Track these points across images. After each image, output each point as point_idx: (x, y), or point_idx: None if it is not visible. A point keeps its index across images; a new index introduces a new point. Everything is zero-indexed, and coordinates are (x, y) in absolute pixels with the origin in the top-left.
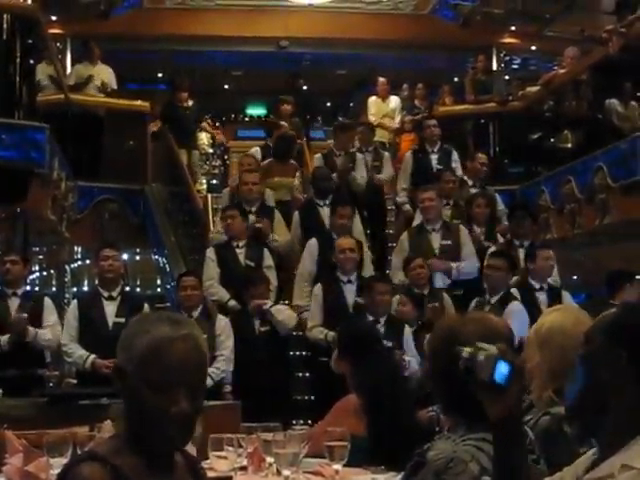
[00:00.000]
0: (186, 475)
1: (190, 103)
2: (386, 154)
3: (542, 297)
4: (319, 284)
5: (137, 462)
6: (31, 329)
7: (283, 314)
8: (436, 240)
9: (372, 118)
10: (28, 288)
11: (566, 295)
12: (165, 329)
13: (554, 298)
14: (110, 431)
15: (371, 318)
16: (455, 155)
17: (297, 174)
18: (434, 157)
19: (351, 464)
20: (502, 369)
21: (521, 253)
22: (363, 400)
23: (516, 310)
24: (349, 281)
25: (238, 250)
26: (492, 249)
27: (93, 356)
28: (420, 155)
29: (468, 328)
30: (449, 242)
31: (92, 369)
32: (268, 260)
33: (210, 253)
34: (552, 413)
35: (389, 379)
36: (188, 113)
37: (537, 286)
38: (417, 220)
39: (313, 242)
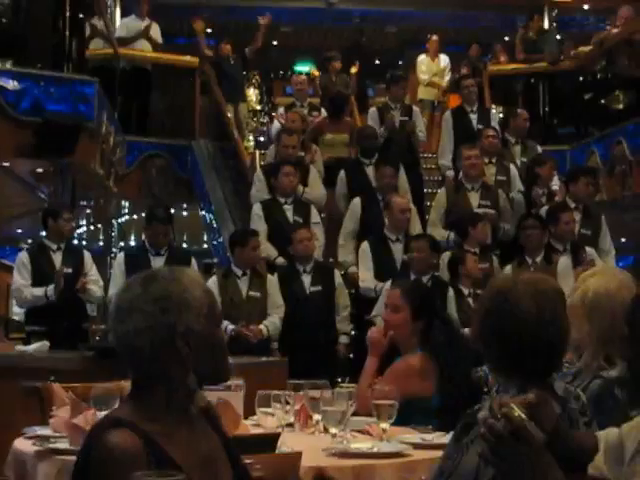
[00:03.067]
0: (204, 424)
1: (234, 56)
2: (416, 109)
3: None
4: (366, 242)
5: (159, 424)
6: (89, 286)
7: None
8: (475, 199)
9: (422, 76)
10: (75, 242)
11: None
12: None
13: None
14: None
15: (413, 276)
16: (494, 113)
17: None
18: (473, 117)
19: (417, 426)
20: None
21: (577, 216)
22: (437, 360)
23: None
24: (397, 239)
25: (286, 206)
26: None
27: None
28: (459, 115)
29: (518, 288)
30: (488, 202)
31: None
32: (315, 217)
33: (257, 209)
34: (604, 377)
35: (459, 338)
36: (233, 64)
37: (560, 248)
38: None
39: (356, 201)
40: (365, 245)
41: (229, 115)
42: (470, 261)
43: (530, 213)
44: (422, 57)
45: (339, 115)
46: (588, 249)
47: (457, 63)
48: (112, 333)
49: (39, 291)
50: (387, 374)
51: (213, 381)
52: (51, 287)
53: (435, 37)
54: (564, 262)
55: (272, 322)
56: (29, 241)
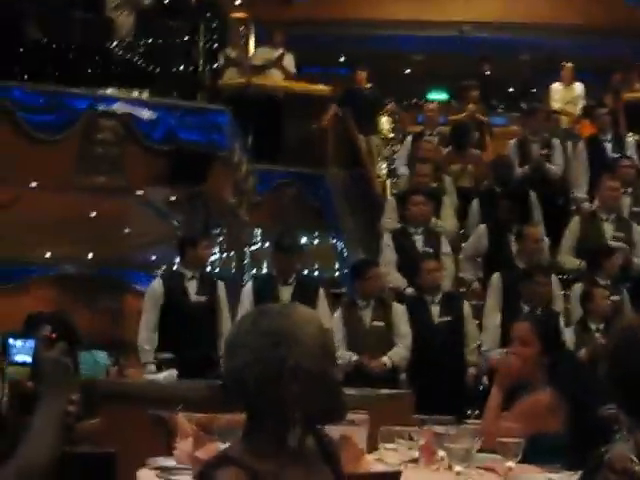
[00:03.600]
0: (320, 463)
1: (368, 85)
2: (555, 142)
3: None
4: (497, 274)
5: (270, 462)
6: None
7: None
8: (609, 230)
9: (555, 105)
10: (208, 269)
11: None
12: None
13: None
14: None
15: (527, 308)
16: (629, 141)
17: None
18: (608, 145)
19: (544, 464)
20: None
21: None
22: (566, 396)
23: None
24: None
25: (416, 236)
26: None
27: None
28: (593, 144)
29: None
30: (621, 234)
31: None
32: (446, 247)
33: (387, 239)
34: None
35: (588, 374)
36: (367, 94)
37: None
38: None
39: (483, 227)
40: (497, 278)
41: (362, 144)
42: (599, 296)
43: None
44: (556, 85)
45: (461, 146)
46: None
47: (590, 91)
48: (223, 368)
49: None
50: (515, 411)
51: (325, 421)
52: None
53: (569, 64)
54: None
55: (397, 352)
56: (163, 268)
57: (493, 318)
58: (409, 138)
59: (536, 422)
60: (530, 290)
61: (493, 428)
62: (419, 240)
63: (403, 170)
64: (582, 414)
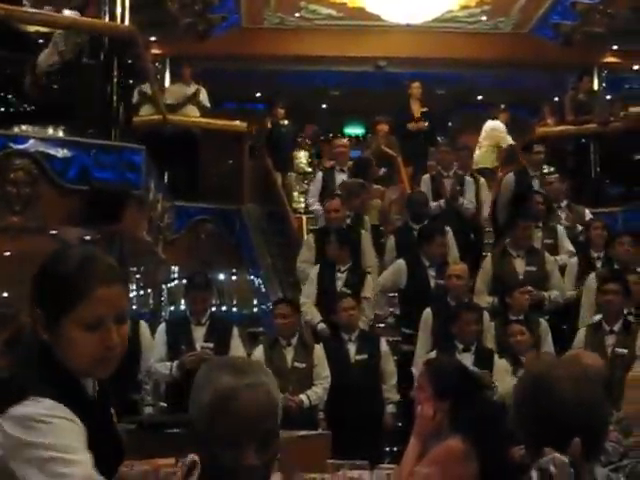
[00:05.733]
0: None
1: (286, 122)
2: (468, 179)
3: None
4: (429, 309)
5: None
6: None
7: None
8: (520, 266)
9: (484, 142)
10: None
11: None
12: (228, 379)
13: None
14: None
15: (461, 346)
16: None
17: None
18: (536, 181)
19: None
20: None
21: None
22: (472, 441)
23: None
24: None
25: (339, 274)
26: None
27: (177, 362)
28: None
29: (557, 372)
30: (534, 269)
31: (180, 372)
32: (368, 290)
33: (314, 272)
34: None
35: (496, 416)
36: (284, 131)
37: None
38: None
39: (402, 262)
40: (428, 313)
41: (278, 179)
42: (515, 332)
43: (613, 276)
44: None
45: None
46: None
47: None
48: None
49: None
50: (429, 457)
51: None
52: None
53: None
54: None
55: (314, 392)
56: None
57: (424, 352)
58: (319, 174)
59: (451, 468)
60: (458, 329)
61: (409, 476)
62: (341, 279)
63: (316, 206)
64: (492, 458)
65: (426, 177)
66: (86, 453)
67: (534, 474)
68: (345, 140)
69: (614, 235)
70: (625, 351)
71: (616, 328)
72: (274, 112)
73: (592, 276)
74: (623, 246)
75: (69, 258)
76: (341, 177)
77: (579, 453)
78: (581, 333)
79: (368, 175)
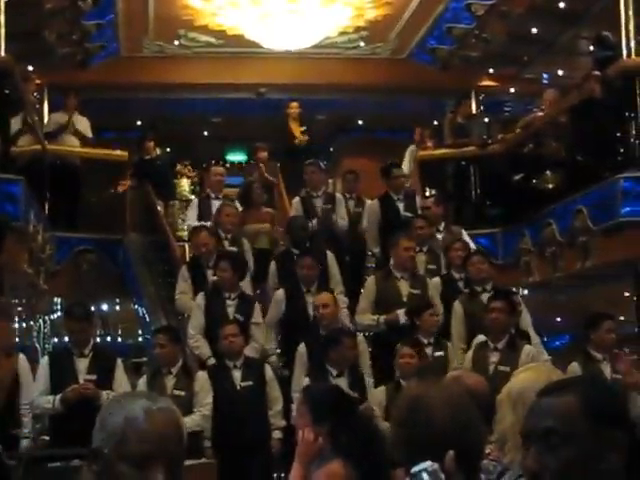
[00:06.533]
0: None
1: (158, 152)
2: (338, 196)
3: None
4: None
5: None
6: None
7: None
8: (404, 288)
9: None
10: None
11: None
12: (141, 402)
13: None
14: None
15: (335, 372)
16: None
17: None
18: (400, 205)
19: None
20: None
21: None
22: (352, 465)
23: (535, 353)
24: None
25: (229, 302)
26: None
27: (59, 395)
28: (385, 203)
29: (432, 395)
30: (418, 291)
31: (63, 406)
32: (258, 317)
33: (200, 300)
34: None
35: (372, 439)
36: (158, 163)
37: None
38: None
39: (280, 292)
40: (302, 347)
41: (159, 209)
42: (406, 354)
43: (499, 294)
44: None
45: (250, 205)
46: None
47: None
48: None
49: None
50: None
51: None
52: None
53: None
54: (529, 350)
55: (191, 419)
56: None
57: (299, 385)
58: (195, 200)
59: None
60: (336, 354)
61: None
62: (231, 306)
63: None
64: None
65: (296, 200)
66: None
67: None
68: (220, 168)
69: (465, 256)
70: (508, 369)
71: (500, 346)
72: (143, 146)
73: (457, 302)
74: (475, 266)
75: None
76: (216, 204)
77: (453, 465)
78: (469, 353)
79: (252, 200)
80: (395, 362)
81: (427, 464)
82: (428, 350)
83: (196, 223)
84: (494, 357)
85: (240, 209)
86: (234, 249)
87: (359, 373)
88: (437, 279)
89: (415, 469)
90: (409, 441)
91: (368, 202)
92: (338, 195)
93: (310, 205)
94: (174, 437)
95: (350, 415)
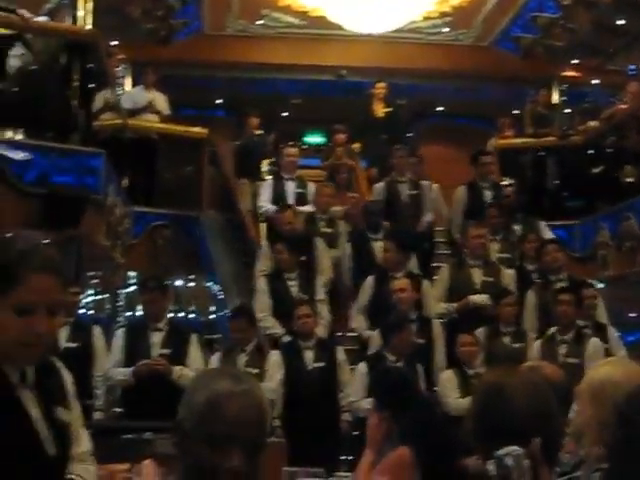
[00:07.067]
0: None
1: (259, 131)
2: (425, 183)
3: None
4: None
5: None
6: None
7: None
8: (478, 275)
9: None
10: (81, 312)
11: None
12: (225, 383)
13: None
14: (149, 473)
15: (393, 359)
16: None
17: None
18: (488, 193)
19: None
20: None
21: None
22: (416, 450)
23: (599, 348)
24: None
25: (290, 282)
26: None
27: (132, 368)
28: (472, 190)
29: (512, 383)
30: (492, 279)
31: (135, 379)
32: (320, 294)
33: (262, 283)
34: (604, 469)
35: (435, 425)
36: (257, 140)
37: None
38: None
39: (370, 279)
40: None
41: (246, 189)
42: (466, 342)
43: (564, 287)
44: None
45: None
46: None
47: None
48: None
49: None
50: (379, 467)
51: None
52: None
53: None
54: (596, 343)
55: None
56: None
57: (360, 367)
58: (270, 181)
59: (401, 476)
60: (399, 340)
61: None
62: (294, 286)
63: (268, 207)
64: (435, 467)
65: (380, 184)
66: None
67: (491, 466)
68: (293, 149)
69: (539, 245)
70: (577, 361)
71: (568, 338)
72: (247, 121)
73: (530, 292)
74: (550, 254)
75: (9, 245)
76: (289, 185)
77: (538, 452)
78: (537, 344)
79: (337, 183)
80: (457, 350)
81: (512, 448)
82: (506, 340)
83: (266, 204)
84: (562, 349)
85: None
86: (329, 230)
87: (415, 361)
88: (512, 270)
89: (499, 453)
90: (487, 429)
91: (428, 184)
92: (424, 182)
93: (395, 190)
94: (254, 421)
95: (412, 401)
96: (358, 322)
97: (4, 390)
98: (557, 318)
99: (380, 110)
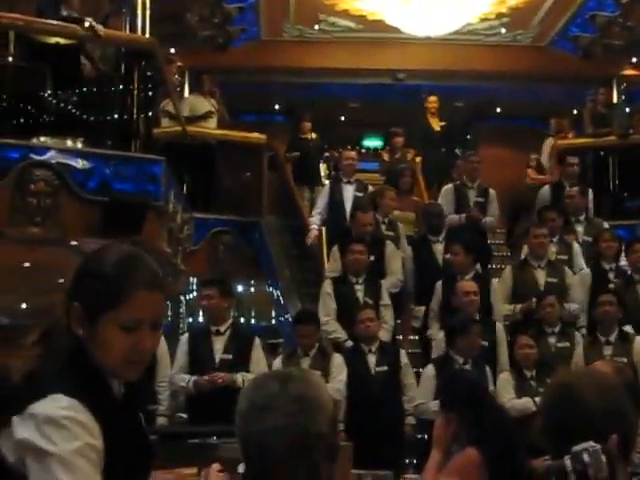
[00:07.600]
0: None
1: (313, 135)
2: (492, 192)
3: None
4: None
5: None
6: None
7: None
8: (541, 277)
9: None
10: None
11: None
12: (268, 389)
13: None
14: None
15: (460, 361)
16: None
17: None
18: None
19: None
20: None
21: None
22: (485, 451)
23: None
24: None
25: (357, 286)
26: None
27: (195, 377)
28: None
29: (583, 381)
30: (555, 280)
31: (196, 390)
32: (385, 299)
33: (327, 287)
34: None
35: (507, 426)
36: (311, 145)
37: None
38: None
39: (440, 283)
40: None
41: (304, 195)
42: (525, 344)
43: (606, 289)
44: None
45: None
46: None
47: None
48: (242, 430)
49: None
50: (450, 467)
51: None
52: None
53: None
54: None
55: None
56: None
57: (428, 369)
58: (327, 186)
59: (469, 477)
60: (465, 342)
61: None
62: (360, 290)
63: (314, 218)
64: (503, 468)
65: (448, 187)
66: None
67: (567, 462)
68: (352, 152)
69: (627, 244)
70: (625, 360)
71: (612, 338)
72: (300, 126)
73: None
74: (638, 253)
75: (115, 257)
76: (348, 188)
77: (615, 448)
78: (579, 348)
79: (399, 187)
80: (514, 352)
81: (589, 444)
82: (551, 340)
83: (317, 217)
84: (607, 350)
85: None
86: (391, 233)
87: (482, 363)
88: (587, 270)
89: (576, 448)
90: (559, 429)
91: (494, 193)
92: (492, 190)
93: (463, 195)
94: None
95: (481, 402)
96: (434, 330)
97: (113, 404)
98: (599, 319)
99: (436, 124)
